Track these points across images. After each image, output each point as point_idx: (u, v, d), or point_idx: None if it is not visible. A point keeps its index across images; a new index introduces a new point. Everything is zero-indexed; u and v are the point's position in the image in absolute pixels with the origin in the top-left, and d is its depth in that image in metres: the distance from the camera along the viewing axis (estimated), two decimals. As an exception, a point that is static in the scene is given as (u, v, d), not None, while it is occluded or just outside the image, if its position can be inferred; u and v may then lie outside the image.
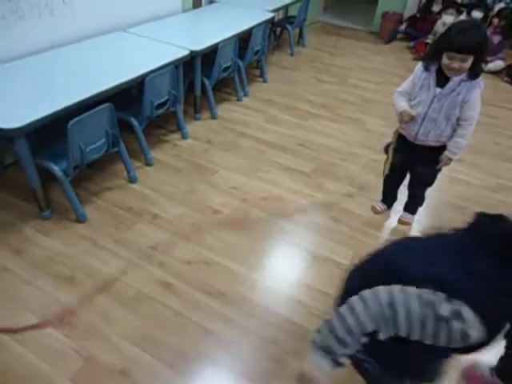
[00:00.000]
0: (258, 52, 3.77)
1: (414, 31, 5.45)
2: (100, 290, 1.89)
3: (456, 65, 1.76)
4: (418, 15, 5.52)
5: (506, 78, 4.75)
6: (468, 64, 1.75)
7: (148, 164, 2.73)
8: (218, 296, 1.92)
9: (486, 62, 4.51)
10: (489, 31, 4.90)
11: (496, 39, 4.96)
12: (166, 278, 1.99)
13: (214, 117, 3.38)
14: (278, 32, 5.11)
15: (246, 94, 3.79)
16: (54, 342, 1.67)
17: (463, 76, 1.82)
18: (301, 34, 5.15)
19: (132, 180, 2.56)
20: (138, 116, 2.58)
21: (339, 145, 3.18)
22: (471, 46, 1.70)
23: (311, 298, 1.96)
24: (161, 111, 2.70)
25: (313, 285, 2.03)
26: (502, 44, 4.99)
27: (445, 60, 1.77)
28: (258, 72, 4.19)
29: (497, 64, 4.87)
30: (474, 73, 1.80)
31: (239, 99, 3.69)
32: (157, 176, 2.66)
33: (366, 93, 4.10)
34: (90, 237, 2.17)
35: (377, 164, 2.40)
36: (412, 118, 1.98)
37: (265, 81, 4.12)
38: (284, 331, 1.80)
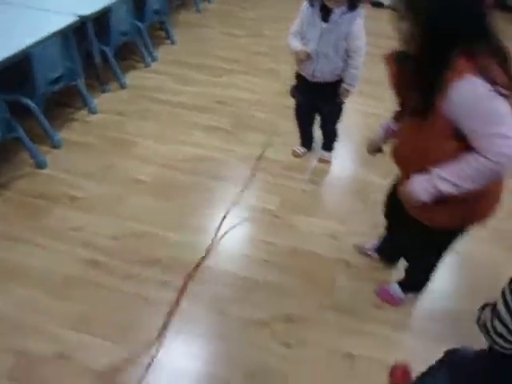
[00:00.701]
0: (158, 11, 3.56)
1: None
2: (25, 283, 1.79)
3: None
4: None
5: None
6: None
7: (56, 146, 2.54)
8: (154, 264, 1.90)
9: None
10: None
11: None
12: (93, 257, 1.92)
13: (123, 86, 3.19)
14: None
15: (154, 59, 3.61)
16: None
17: (343, 9, 1.88)
18: (204, -11, 4.93)
19: (40, 165, 2.38)
20: (33, 96, 2.36)
21: (256, 97, 3.17)
22: None
23: (252, 248, 2.01)
24: (57, 87, 2.49)
25: (254, 236, 2.08)
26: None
27: None
28: (164, 34, 3.98)
29: (397, -2, 5.03)
30: (352, 4, 1.87)
31: (147, 65, 3.51)
32: (68, 157, 2.50)
33: (280, 42, 4.04)
34: (3, 231, 2.02)
35: (292, 110, 2.46)
36: (308, 56, 2.02)
37: (173, 42, 3.93)
38: (232, 286, 1.84)
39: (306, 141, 2.58)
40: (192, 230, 2.08)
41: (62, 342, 1.59)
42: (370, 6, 5.12)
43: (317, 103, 2.27)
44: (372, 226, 2.12)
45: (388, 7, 4.94)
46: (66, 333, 1.62)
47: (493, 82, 0.96)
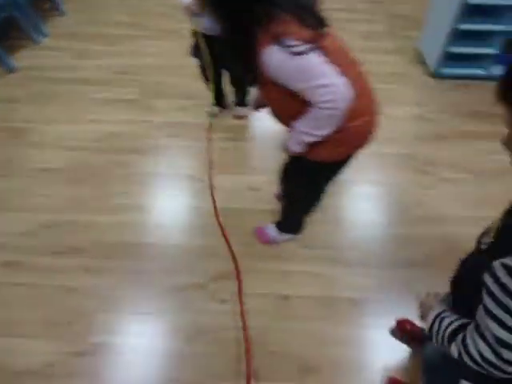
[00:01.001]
0: (36, -20, 3.18)
1: None
2: None
3: None
4: None
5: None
6: None
7: None
8: (76, 252, 1.80)
9: None
10: None
11: None
12: (8, 258, 1.77)
13: (10, 70, 2.87)
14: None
15: (44, 35, 3.26)
16: None
17: None
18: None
19: None
20: None
21: (162, 61, 3.00)
22: None
23: (186, 216, 1.96)
24: None
25: (182, 204, 2.02)
26: None
27: None
28: (49, 5, 3.58)
29: None
30: None
31: (37, 42, 3.17)
32: (-41, 157, 2.24)
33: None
34: None
35: (201, 69, 2.37)
36: (195, 10, 1.91)
37: (62, 13, 3.56)
38: (163, 258, 1.80)
39: (219, 98, 2.51)
40: (114, 210, 1.98)
41: (-15, 353, 1.48)
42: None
43: (219, 58, 2.19)
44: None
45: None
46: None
47: (288, 45, 1.00)
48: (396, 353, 1.52)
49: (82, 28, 3.38)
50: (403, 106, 2.63)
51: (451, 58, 2.77)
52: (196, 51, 2.14)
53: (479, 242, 0.81)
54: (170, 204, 2.04)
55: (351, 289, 1.69)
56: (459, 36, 2.65)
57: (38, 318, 1.59)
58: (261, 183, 2.12)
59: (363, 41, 3.26)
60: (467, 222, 1.89)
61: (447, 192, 2.10)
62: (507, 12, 2.55)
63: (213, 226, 1.91)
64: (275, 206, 1.99)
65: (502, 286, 0.62)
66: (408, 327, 1.54)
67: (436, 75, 2.85)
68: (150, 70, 2.91)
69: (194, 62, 2.22)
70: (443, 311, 0.84)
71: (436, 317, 0.83)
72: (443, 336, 0.78)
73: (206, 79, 2.30)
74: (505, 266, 0.62)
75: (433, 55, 2.84)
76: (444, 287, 0.96)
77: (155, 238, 1.87)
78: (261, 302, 1.64)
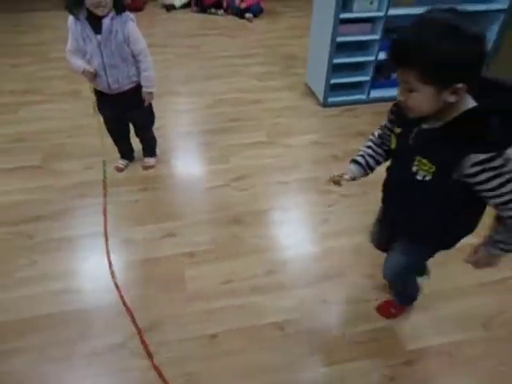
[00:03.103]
0: None
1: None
2: None
3: None
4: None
5: (195, 8, 5.21)
6: None
7: None
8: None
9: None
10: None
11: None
12: None
13: None
14: None
15: None
16: None
17: (112, 14, 1.88)
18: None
19: None
20: None
21: (62, 123, 2.96)
22: None
23: (105, 275, 1.89)
24: None
25: (97, 263, 1.96)
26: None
27: None
28: None
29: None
30: (117, 7, 1.88)
31: None
32: None
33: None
34: None
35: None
36: (94, 74, 1.98)
37: None
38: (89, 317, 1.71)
39: (126, 152, 2.53)
40: (18, 284, 1.87)
41: None
42: (164, 9, 5.25)
43: (124, 113, 2.24)
44: (208, 213, 2.23)
45: (180, 8, 5.15)
46: None
47: None
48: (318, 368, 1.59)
49: (-28, 100, 3.24)
50: (300, 136, 2.87)
51: (334, 88, 3.12)
52: (100, 108, 2.19)
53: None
54: (77, 266, 1.96)
55: (274, 313, 1.75)
56: (337, 68, 3.01)
57: None
58: (176, 228, 2.14)
59: (258, 81, 3.54)
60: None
61: (349, 206, 2.30)
62: (372, 45, 2.98)
63: (138, 278, 1.88)
64: (194, 246, 2.03)
65: None
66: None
67: (324, 104, 3.18)
68: (50, 133, 2.85)
69: (98, 119, 2.22)
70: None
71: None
72: None
73: (113, 134, 2.34)
74: None
75: (319, 87, 3.17)
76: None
77: (65, 306, 1.77)
78: (187, 346, 1.63)
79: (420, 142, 1.05)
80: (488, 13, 2.91)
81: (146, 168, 2.53)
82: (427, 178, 1.06)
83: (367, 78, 3.12)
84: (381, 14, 2.79)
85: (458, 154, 0.96)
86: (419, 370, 1.56)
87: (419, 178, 1.07)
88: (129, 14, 1.96)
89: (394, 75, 3.07)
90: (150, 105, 2.29)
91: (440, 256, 1.36)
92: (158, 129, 2.56)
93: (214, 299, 1.80)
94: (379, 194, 1.34)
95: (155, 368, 1.54)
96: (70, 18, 1.93)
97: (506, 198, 0.99)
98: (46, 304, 1.78)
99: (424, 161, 1.04)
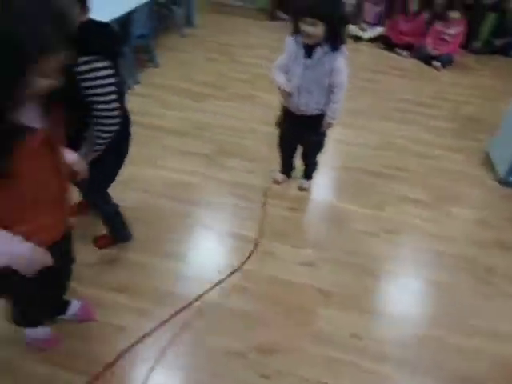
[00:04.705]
0: (143, 36, 3.60)
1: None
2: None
3: (307, 28, 1.85)
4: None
5: (380, 44, 5.17)
6: (319, 30, 1.84)
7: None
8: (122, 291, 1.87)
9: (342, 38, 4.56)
10: (369, 2, 5.22)
11: (378, 8, 5.28)
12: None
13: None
14: (166, 13, 4.93)
15: (137, 81, 3.63)
16: None
17: (326, 49, 1.94)
18: (189, 15, 5.03)
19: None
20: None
21: (237, 123, 3.21)
22: (320, 11, 1.81)
23: (223, 275, 1.99)
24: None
25: (226, 262, 2.07)
26: (382, 13, 5.32)
27: (300, 26, 1.87)
28: (147, 57, 4.01)
29: (375, 30, 5.24)
30: (333, 45, 1.92)
31: (129, 87, 3.52)
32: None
33: (258, 69, 4.17)
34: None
35: (274, 137, 2.50)
36: (289, 94, 2.08)
37: (156, 65, 3.97)
38: (206, 315, 1.82)
39: (287, 169, 2.62)
40: (168, 255, 2.06)
41: None
42: (352, 39, 5.33)
43: (301, 134, 2.32)
44: (350, 255, 2.16)
45: (367, 40, 5.18)
46: None
47: None
48: None
49: (171, 81, 3.73)
50: (465, 208, 2.61)
51: (522, 169, 2.75)
52: (281, 123, 2.31)
53: None
54: (221, 261, 2.08)
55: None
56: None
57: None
58: (315, 259, 2.13)
59: (432, 135, 3.33)
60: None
61: (507, 307, 1.99)
62: None
63: (261, 293, 1.92)
64: (329, 285, 1.99)
65: None
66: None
67: (504, 182, 2.82)
68: (225, 129, 3.11)
69: (269, 129, 2.34)
70: None
71: None
72: None
73: (283, 150, 2.44)
74: None
75: (503, 162, 2.83)
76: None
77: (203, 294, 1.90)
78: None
79: None
80: None
81: (302, 189, 2.58)
82: None
83: None
84: None
85: None
86: None
87: None
88: (343, 49, 2.00)
89: None
90: (325, 133, 2.32)
91: None
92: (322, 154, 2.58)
93: (340, 349, 1.73)
94: None
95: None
96: (291, 38, 2.05)
97: None
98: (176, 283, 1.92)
99: None
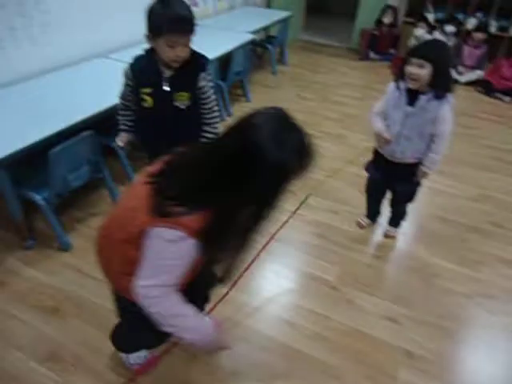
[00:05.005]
0: (239, 72, 3.83)
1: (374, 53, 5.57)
2: (88, 321, 1.86)
3: (412, 69, 1.81)
4: (376, 33, 5.44)
5: (479, 88, 4.88)
6: (425, 72, 1.80)
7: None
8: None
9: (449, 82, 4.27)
10: (469, 46, 5.02)
11: (478, 52, 5.04)
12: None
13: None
14: (260, 52, 5.21)
15: (229, 114, 3.83)
16: (46, 381, 1.63)
17: (430, 96, 1.88)
18: (282, 53, 5.25)
19: (117, 204, 2.54)
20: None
21: (324, 161, 3.20)
22: (428, 53, 1.79)
23: (302, 318, 1.95)
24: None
25: (303, 305, 2.03)
26: (484, 56, 5.06)
27: (406, 68, 1.84)
28: (241, 92, 4.24)
29: (473, 74, 4.99)
30: (438, 92, 1.86)
31: (223, 119, 3.72)
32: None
33: (348, 109, 4.18)
34: (75, 265, 2.14)
35: (361, 179, 2.45)
36: (388, 142, 2.03)
37: (248, 100, 4.17)
38: (275, 353, 1.79)
39: (373, 214, 2.54)
40: (246, 290, 2.08)
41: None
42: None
43: (391, 182, 2.24)
44: (437, 316, 2.00)
45: (464, 84, 4.94)
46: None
47: None
48: None
49: (261, 116, 3.87)
50: None
51: None
52: (371, 168, 2.25)
53: None
54: (294, 302, 2.04)
55: None
56: None
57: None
58: (400, 316, 2.00)
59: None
60: None
61: None
62: None
63: (335, 342, 1.84)
64: (414, 346, 1.84)
65: None
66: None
67: None
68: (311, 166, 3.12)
69: (358, 171, 2.30)
70: None
71: None
72: None
73: (371, 195, 2.37)
74: None
75: None
76: None
77: (272, 331, 1.87)
78: None
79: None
80: None
81: (388, 236, 2.47)
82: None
83: None
84: None
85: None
86: None
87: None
88: (448, 96, 1.92)
89: None
90: (419, 183, 2.21)
91: None
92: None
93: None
94: None
95: None
96: (391, 84, 2.03)
97: None
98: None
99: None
